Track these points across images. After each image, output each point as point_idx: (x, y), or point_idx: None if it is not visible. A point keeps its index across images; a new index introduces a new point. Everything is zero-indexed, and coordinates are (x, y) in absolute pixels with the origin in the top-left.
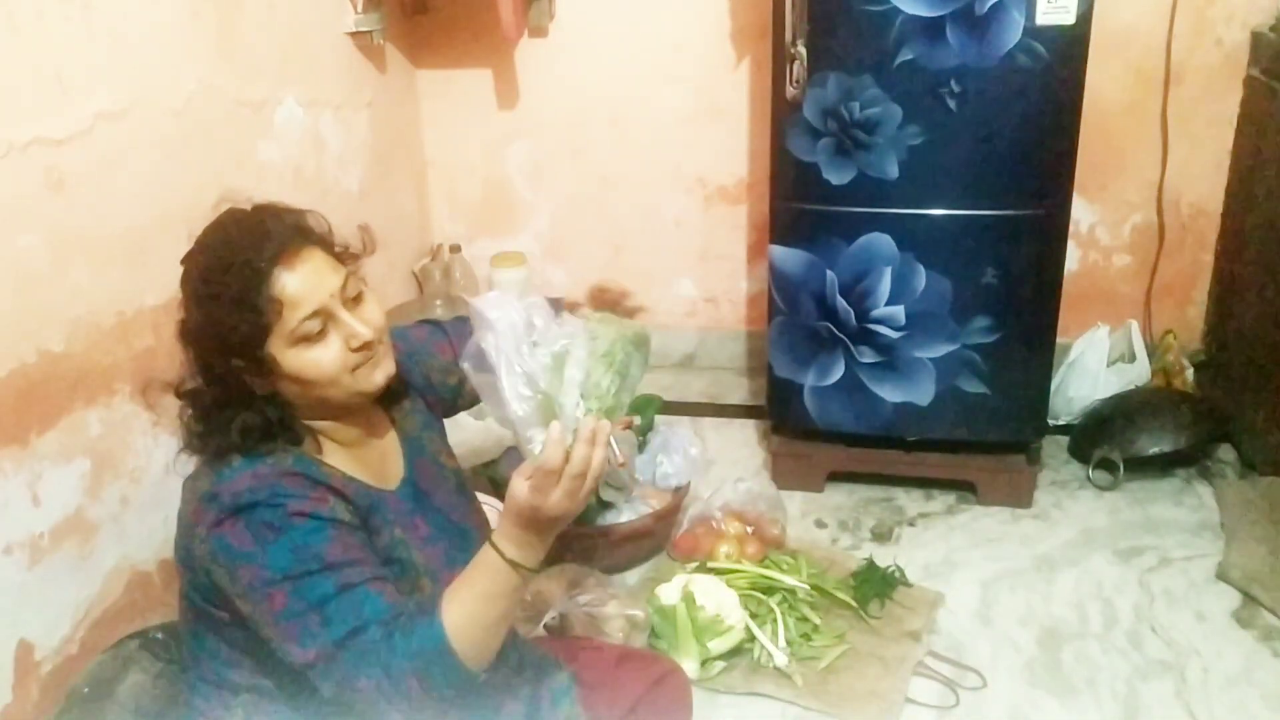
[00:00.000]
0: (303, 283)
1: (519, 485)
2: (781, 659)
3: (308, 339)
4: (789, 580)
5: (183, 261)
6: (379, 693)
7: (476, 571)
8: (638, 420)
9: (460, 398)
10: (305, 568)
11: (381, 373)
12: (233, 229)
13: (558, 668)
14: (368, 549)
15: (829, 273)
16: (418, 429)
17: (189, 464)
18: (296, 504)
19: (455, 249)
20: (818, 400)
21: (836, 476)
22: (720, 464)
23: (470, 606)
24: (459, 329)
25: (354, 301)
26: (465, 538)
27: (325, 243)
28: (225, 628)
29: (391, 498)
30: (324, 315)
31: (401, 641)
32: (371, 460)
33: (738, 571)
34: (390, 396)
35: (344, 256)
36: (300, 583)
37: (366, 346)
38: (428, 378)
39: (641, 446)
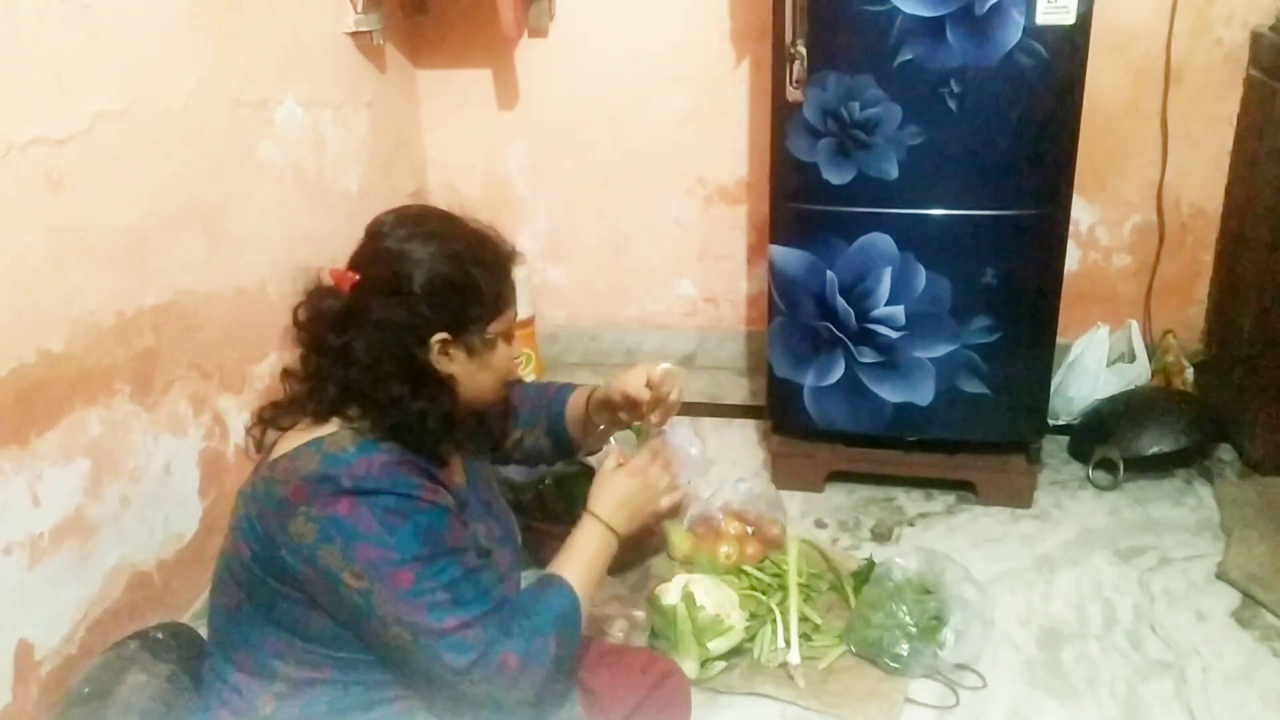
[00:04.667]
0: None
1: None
2: (795, 657)
3: (508, 338)
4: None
5: (423, 235)
6: (522, 664)
7: (582, 540)
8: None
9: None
10: (432, 551)
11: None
12: (470, 223)
13: None
14: (471, 538)
15: (829, 273)
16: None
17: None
18: (418, 492)
19: None
20: (818, 400)
21: (836, 476)
22: (720, 464)
23: (583, 571)
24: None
25: None
26: (517, 552)
27: None
28: (282, 608)
29: (471, 496)
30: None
31: (543, 608)
32: (455, 464)
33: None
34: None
35: None
36: (429, 565)
37: (516, 365)
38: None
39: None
